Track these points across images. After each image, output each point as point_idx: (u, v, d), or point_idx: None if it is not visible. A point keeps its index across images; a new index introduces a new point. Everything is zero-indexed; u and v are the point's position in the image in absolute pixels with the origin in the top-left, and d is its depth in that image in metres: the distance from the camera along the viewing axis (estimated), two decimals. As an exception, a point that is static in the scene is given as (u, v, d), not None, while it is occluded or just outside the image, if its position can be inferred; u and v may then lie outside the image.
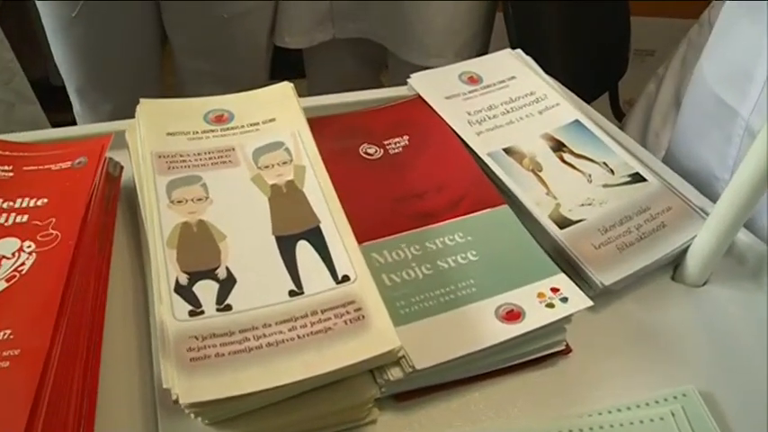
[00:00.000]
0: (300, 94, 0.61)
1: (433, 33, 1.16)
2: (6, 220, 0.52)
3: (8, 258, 0.50)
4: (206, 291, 0.45)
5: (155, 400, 0.45)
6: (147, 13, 1.14)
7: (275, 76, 1.19)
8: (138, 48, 1.19)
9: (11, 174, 0.56)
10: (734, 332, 0.55)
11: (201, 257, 0.47)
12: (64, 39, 1.12)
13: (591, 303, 0.49)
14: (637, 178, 0.62)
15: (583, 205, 0.58)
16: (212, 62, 1.18)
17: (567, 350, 0.51)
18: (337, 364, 0.41)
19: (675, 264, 0.59)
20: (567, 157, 0.62)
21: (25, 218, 0.52)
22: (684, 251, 0.58)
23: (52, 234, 0.51)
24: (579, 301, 0.49)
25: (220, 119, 0.57)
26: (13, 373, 0.43)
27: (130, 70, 1.19)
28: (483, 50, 1.24)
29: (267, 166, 0.54)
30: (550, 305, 0.49)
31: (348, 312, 0.44)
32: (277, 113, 0.58)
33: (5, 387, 0.42)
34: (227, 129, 0.57)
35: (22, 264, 0.49)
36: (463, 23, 1.16)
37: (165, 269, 0.46)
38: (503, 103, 0.66)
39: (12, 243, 0.51)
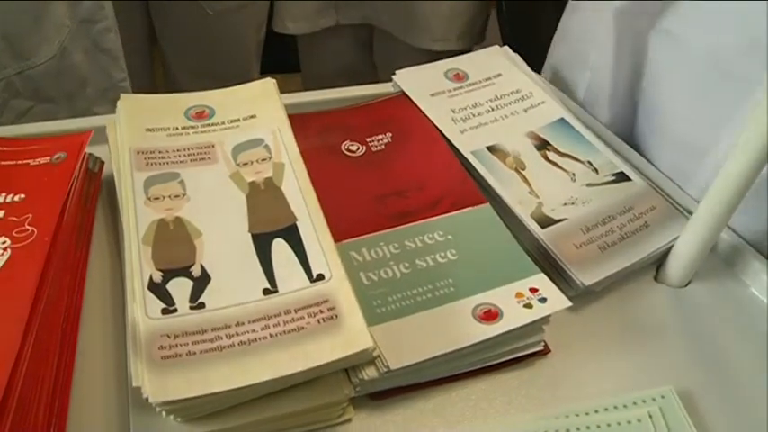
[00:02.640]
0: (294, 89, 0.61)
1: (437, 17, 1.16)
2: (-17, 215, 0.52)
3: (-17, 253, 0.49)
4: (180, 288, 0.45)
5: (128, 396, 0.44)
6: (136, 12, 1.14)
7: (268, 72, 1.19)
8: (128, 45, 1.19)
9: (-9, 168, 0.55)
10: (716, 333, 0.55)
11: (176, 255, 0.46)
12: None
13: (569, 304, 0.49)
14: (621, 178, 0.61)
15: (565, 204, 0.58)
16: (201, 59, 1.18)
17: (546, 350, 0.51)
18: (309, 364, 0.41)
19: (658, 264, 0.58)
20: (551, 155, 0.62)
21: (1, 213, 0.52)
22: (667, 251, 0.57)
23: (28, 230, 0.51)
24: (558, 301, 0.49)
25: (201, 115, 0.57)
26: (-15, 368, 0.42)
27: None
28: (482, 34, 1.25)
29: (246, 163, 0.53)
30: (528, 305, 0.49)
31: (322, 311, 0.44)
32: (258, 110, 0.58)
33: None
34: (208, 125, 0.56)
35: (-2, 259, 0.49)
36: (465, 6, 1.16)
37: (139, 266, 0.45)
38: (488, 101, 0.66)
39: (-12, 238, 0.50)
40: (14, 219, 0.52)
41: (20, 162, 0.56)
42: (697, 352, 0.54)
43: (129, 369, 0.45)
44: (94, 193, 0.57)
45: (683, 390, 0.50)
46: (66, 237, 0.51)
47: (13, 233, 0.51)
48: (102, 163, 0.59)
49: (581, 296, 0.55)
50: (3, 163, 0.56)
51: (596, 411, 0.48)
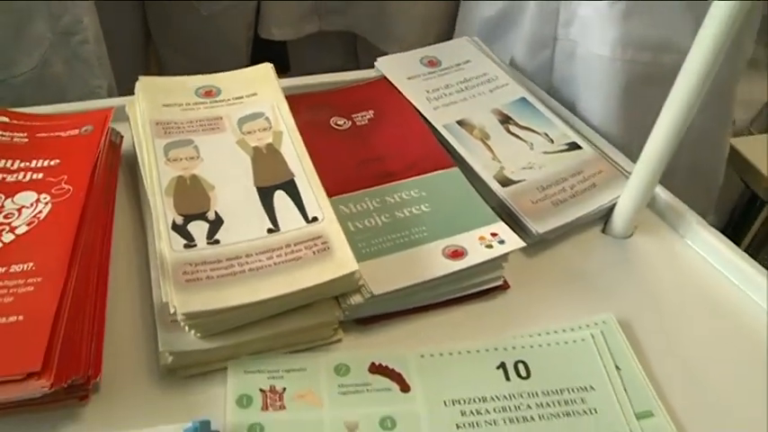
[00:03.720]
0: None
1: (413, 27, 1.24)
2: (24, 177, 0.61)
3: (27, 208, 0.58)
4: (198, 229, 0.54)
5: (154, 319, 0.53)
6: (132, 13, 1.22)
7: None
8: (124, 44, 1.27)
9: (26, 140, 0.65)
10: (653, 275, 0.64)
11: (194, 203, 0.56)
12: None
13: (524, 244, 0.59)
14: (573, 146, 0.71)
15: (524, 168, 0.68)
16: (194, 58, 1.26)
17: (506, 286, 0.60)
18: (306, 284, 0.50)
19: (605, 219, 0.68)
20: (512, 128, 0.72)
21: (40, 175, 0.61)
22: (612, 207, 0.67)
23: (65, 188, 0.60)
24: (514, 242, 0.58)
25: (209, 93, 0.66)
26: (38, 296, 0.51)
27: (117, 65, 1.28)
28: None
29: (250, 132, 0.63)
30: (489, 246, 0.58)
31: (316, 245, 0.53)
32: (258, 89, 0.67)
33: (31, 307, 0.50)
34: (215, 101, 0.66)
35: (40, 212, 0.58)
36: (436, 16, 1.24)
37: (163, 212, 0.55)
38: (458, 83, 0.76)
39: (30, 196, 0.59)
40: (52, 179, 0.61)
41: (53, 134, 0.66)
42: (636, 291, 0.63)
43: (153, 296, 0.54)
44: (116, 160, 0.66)
45: (622, 319, 0.59)
46: (96, 193, 0.60)
47: (52, 191, 0.60)
48: (122, 137, 0.68)
49: (537, 244, 0.64)
50: (38, 135, 0.65)
51: (547, 333, 0.58)
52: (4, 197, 0.59)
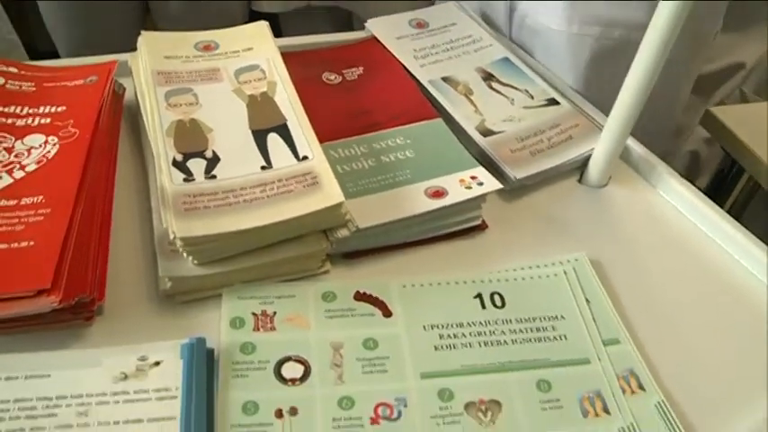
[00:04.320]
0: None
1: (399, 2, 1.27)
2: (33, 122, 0.65)
3: (36, 148, 0.62)
4: (196, 165, 0.58)
5: (154, 250, 0.58)
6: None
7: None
8: (123, 19, 1.31)
9: (34, 88, 0.69)
10: (625, 221, 0.68)
11: (193, 143, 0.60)
12: (57, 9, 1.25)
13: (501, 186, 0.63)
14: (552, 102, 0.75)
15: (505, 121, 0.72)
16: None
17: (484, 226, 0.64)
18: (296, 214, 0.54)
19: (581, 170, 0.72)
20: (494, 85, 0.76)
21: (48, 120, 0.65)
22: (588, 158, 0.71)
23: (71, 131, 0.64)
24: (492, 184, 0.63)
25: (208, 47, 0.70)
26: (47, 224, 0.55)
27: (116, 38, 1.31)
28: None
29: (246, 82, 0.67)
30: (469, 187, 0.62)
31: (306, 180, 0.57)
32: (254, 44, 0.71)
33: (41, 234, 0.55)
34: (214, 55, 0.70)
35: (48, 152, 0.62)
36: None
37: (164, 151, 0.59)
38: (444, 43, 0.80)
39: (38, 138, 0.63)
40: (59, 123, 0.65)
41: (59, 84, 0.70)
42: (609, 235, 0.67)
43: (153, 228, 0.58)
44: (119, 109, 0.70)
45: (594, 259, 0.63)
46: (101, 136, 0.64)
47: (60, 133, 0.64)
48: (125, 89, 0.72)
49: (515, 191, 0.69)
50: (45, 84, 0.69)
51: (522, 269, 0.62)
52: (14, 139, 0.62)
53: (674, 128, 0.97)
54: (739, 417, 0.52)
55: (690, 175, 1.21)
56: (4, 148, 0.61)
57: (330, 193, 0.55)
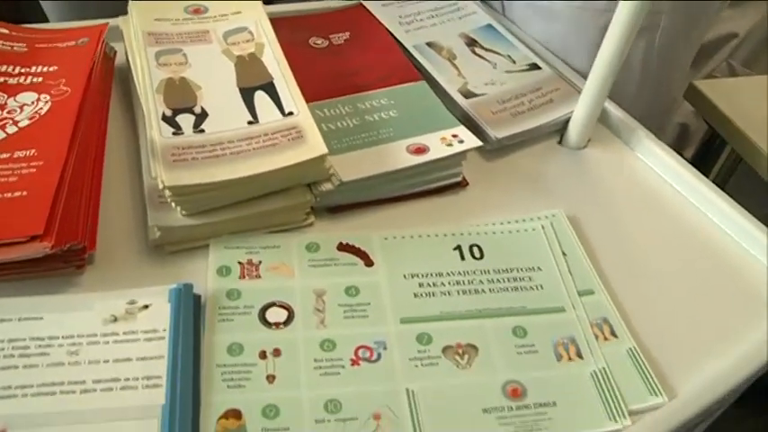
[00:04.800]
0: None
1: None
2: (25, 80, 0.66)
3: (29, 105, 0.64)
4: (185, 121, 0.60)
5: (143, 203, 0.59)
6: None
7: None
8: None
9: (25, 49, 0.70)
10: (603, 181, 0.70)
11: (182, 99, 0.61)
12: None
13: (481, 144, 0.65)
14: (533, 67, 0.77)
15: (487, 84, 0.74)
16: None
17: (465, 183, 0.66)
18: (281, 164, 0.56)
19: (561, 133, 0.74)
20: (478, 50, 0.78)
21: (40, 79, 0.67)
22: (568, 121, 0.73)
23: (63, 89, 0.65)
24: (472, 142, 0.65)
25: (197, 11, 0.72)
26: (39, 175, 0.57)
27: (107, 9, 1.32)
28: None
29: (234, 43, 0.68)
30: (450, 144, 0.64)
31: (291, 134, 0.59)
32: (242, 8, 0.73)
33: (34, 184, 0.56)
34: (203, 18, 0.71)
35: (41, 108, 0.64)
36: None
37: (154, 106, 0.60)
38: (429, 10, 0.82)
39: (30, 95, 0.65)
40: (51, 82, 0.66)
41: (50, 45, 0.71)
42: (587, 194, 0.69)
43: (143, 182, 0.60)
44: (110, 70, 0.72)
45: (572, 216, 0.65)
46: (93, 94, 0.65)
47: (52, 91, 0.65)
48: (116, 51, 0.74)
49: (496, 152, 0.71)
50: (37, 45, 0.71)
51: (501, 223, 0.64)
52: (6, 96, 0.64)
53: (671, 102, 0.99)
54: (707, 360, 0.54)
55: (678, 146, 1.23)
56: (-3, 105, 0.63)
57: (314, 145, 0.57)
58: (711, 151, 1.16)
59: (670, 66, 0.87)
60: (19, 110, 0.63)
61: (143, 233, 0.59)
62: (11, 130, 0.61)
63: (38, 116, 0.62)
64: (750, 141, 0.98)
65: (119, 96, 0.71)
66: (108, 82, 0.70)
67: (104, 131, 0.65)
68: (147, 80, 0.62)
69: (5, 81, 0.65)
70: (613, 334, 0.55)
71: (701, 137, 1.23)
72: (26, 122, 0.62)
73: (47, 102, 0.64)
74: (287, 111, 0.61)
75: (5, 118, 0.62)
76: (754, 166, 0.98)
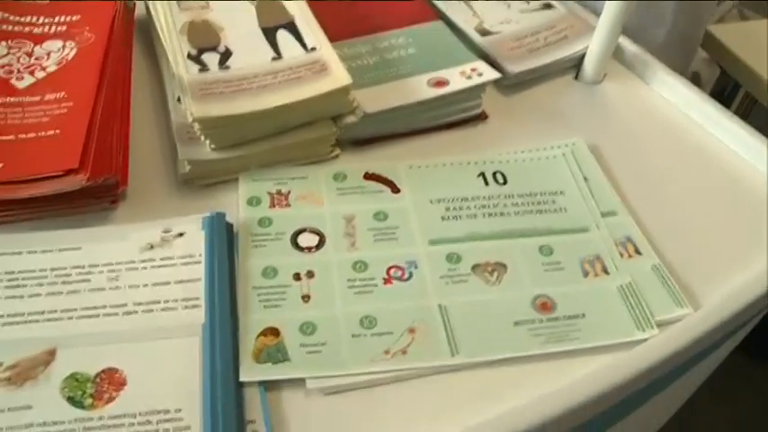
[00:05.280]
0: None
1: None
2: (49, 29, 0.68)
3: (55, 52, 0.65)
4: (210, 59, 0.61)
5: (171, 142, 0.61)
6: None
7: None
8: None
9: (47, 1, 0.71)
10: (620, 113, 0.71)
11: (206, 39, 0.63)
12: None
13: (499, 75, 0.66)
14: (547, 6, 0.78)
15: (502, 23, 0.75)
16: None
17: (484, 116, 0.67)
18: (306, 95, 0.57)
19: (577, 69, 0.75)
20: (489, -9, 0.79)
21: (64, 28, 0.68)
22: (583, 57, 0.74)
23: (88, 36, 0.67)
24: (491, 74, 0.66)
25: (214, -41, 0.73)
26: (70, 115, 0.59)
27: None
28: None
29: (252, -14, 0.69)
30: (469, 77, 0.65)
31: (314, 68, 0.60)
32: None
33: (66, 124, 0.58)
34: (220, -36, 0.72)
35: (67, 54, 0.65)
36: None
37: (179, 46, 0.62)
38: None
39: (56, 43, 0.66)
40: (75, 30, 0.68)
41: (72, -4, 0.72)
42: (604, 125, 0.70)
43: (171, 118, 0.61)
44: (131, 20, 0.73)
45: (591, 145, 0.66)
46: (116, 41, 0.67)
47: (76, 38, 0.67)
48: (135, 4, 0.75)
49: (514, 87, 0.72)
50: (59, -3, 0.72)
51: (522, 152, 0.65)
52: (33, 44, 0.66)
53: (692, 51, 1.00)
54: (729, 275, 0.55)
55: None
56: (25, 53, 0.64)
57: (338, 76, 0.59)
58: (723, 100, 1.16)
59: (696, 15, 0.88)
60: (46, 56, 0.64)
61: (171, 170, 0.60)
62: (40, 75, 0.62)
63: (65, 61, 0.64)
64: (763, 82, 0.99)
65: (139, 47, 0.72)
66: (129, 31, 0.71)
67: (129, 76, 0.66)
68: (171, 22, 0.63)
69: (31, 30, 0.67)
70: (637, 252, 0.56)
71: (711, 86, 1.23)
72: (54, 68, 0.63)
73: (72, 48, 0.65)
74: (309, 47, 0.62)
75: (33, 64, 0.63)
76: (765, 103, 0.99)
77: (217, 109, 0.55)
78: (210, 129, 0.56)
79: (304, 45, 0.62)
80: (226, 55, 0.61)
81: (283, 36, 0.63)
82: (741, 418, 1.39)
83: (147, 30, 0.72)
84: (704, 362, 0.63)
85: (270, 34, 0.63)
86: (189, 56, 0.60)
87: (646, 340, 0.51)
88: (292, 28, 0.64)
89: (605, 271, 0.55)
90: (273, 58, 0.61)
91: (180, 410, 0.44)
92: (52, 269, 0.51)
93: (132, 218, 0.57)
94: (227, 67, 0.59)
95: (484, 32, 0.72)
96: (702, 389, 0.78)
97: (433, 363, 0.48)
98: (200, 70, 0.59)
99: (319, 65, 0.60)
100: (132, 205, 0.58)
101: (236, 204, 0.58)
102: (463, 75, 0.65)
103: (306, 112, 0.59)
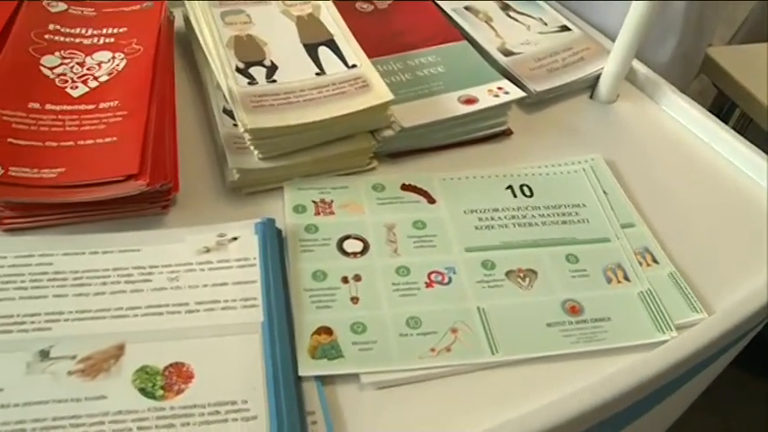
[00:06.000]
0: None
1: None
2: (98, 41, 0.71)
3: (105, 63, 0.69)
4: (258, 72, 0.65)
5: (215, 153, 0.64)
6: None
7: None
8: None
9: (94, 13, 0.75)
10: (633, 131, 0.76)
11: (252, 53, 0.66)
12: None
13: (524, 94, 0.70)
14: (564, 29, 0.83)
15: (522, 44, 0.79)
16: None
17: (509, 132, 0.72)
18: (352, 109, 0.61)
19: (592, 88, 0.80)
20: (511, 13, 0.83)
21: (112, 39, 0.71)
22: (598, 77, 0.79)
23: (136, 48, 0.70)
24: (517, 93, 0.70)
25: (253, -23, 0.77)
26: (125, 124, 0.62)
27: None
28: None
29: (292, 5, 0.73)
30: (496, 95, 0.70)
31: (357, 83, 0.64)
32: (294, -26, 0.78)
33: (122, 131, 0.61)
34: (259, -17, 0.76)
35: (117, 65, 0.68)
36: None
37: (227, 60, 0.65)
38: (466, -21, 0.87)
39: (106, 54, 0.70)
40: (123, 42, 0.71)
41: (117, 9, 0.76)
42: (619, 142, 0.75)
43: (217, 128, 0.65)
44: (172, 32, 0.77)
45: (608, 161, 0.71)
46: (163, 51, 0.70)
47: (125, 50, 0.70)
48: (174, 16, 0.79)
49: (534, 105, 0.76)
50: (105, 10, 0.75)
51: (546, 166, 0.70)
52: (84, 55, 0.69)
53: (694, 70, 1.05)
54: (737, 283, 0.60)
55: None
56: (77, 63, 0.68)
57: (380, 92, 0.63)
58: (720, 118, 1.21)
59: (702, 34, 0.93)
60: (97, 67, 0.67)
61: (217, 178, 0.63)
62: (92, 84, 0.65)
63: (116, 72, 0.67)
64: (762, 106, 1.05)
65: (179, 56, 0.76)
66: (171, 43, 0.75)
67: (174, 86, 0.69)
68: (217, 36, 0.67)
69: (81, 42, 0.70)
70: (655, 261, 0.61)
71: (709, 104, 1.29)
72: (105, 78, 0.66)
73: (122, 59, 0.68)
74: (350, 64, 0.66)
75: (86, 74, 0.66)
76: (762, 125, 1.05)
77: (268, 120, 0.59)
78: (260, 139, 0.60)
79: (345, 62, 0.66)
80: (272, 69, 0.64)
81: (324, 52, 0.67)
82: (733, 428, 1.45)
83: (184, 41, 0.75)
84: (704, 372, 0.67)
85: (311, 50, 0.67)
86: (237, 69, 0.64)
87: (666, 342, 0.55)
88: (332, 45, 0.68)
89: (626, 278, 0.59)
90: (317, 74, 0.65)
91: (246, 402, 0.47)
92: (114, 269, 0.55)
93: (181, 223, 0.60)
94: (274, 81, 0.63)
95: (506, 53, 0.77)
96: (696, 401, 0.82)
97: (475, 360, 0.52)
98: (249, 83, 0.63)
99: (361, 81, 0.64)
100: (181, 211, 0.61)
101: (281, 211, 0.61)
102: (491, 93, 0.69)
103: (348, 126, 0.62)
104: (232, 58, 0.65)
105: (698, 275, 0.60)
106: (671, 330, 0.55)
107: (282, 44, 0.68)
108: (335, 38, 0.68)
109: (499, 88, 0.70)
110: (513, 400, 0.50)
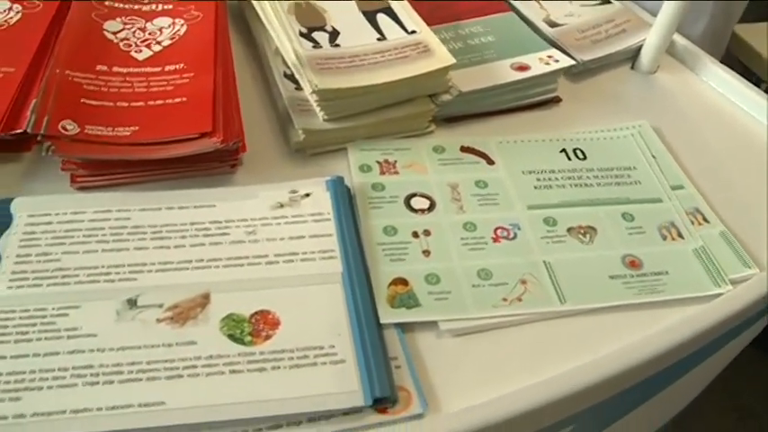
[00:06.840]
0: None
1: None
2: (157, 8, 0.73)
3: (166, 28, 0.70)
4: (321, 37, 0.66)
5: (276, 116, 0.66)
6: None
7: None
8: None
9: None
10: (674, 100, 0.78)
11: (313, 19, 0.68)
12: None
13: (574, 62, 0.72)
14: (605, 1, 0.85)
15: (566, 16, 0.81)
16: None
17: (558, 99, 0.74)
18: (416, 72, 0.63)
19: (633, 60, 0.82)
20: (554, -14, 0.85)
21: (170, 6, 0.73)
22: (640, 48, 0.81)
23: (195, 14, 0.72)
24: (566, 61, 0.72)
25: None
26: (193, 84, 0.63)
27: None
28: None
29: (346, -25, 0.75)
30: (547, 63, 0.72)
31: (418, 48, 0.66)
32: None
33: (191, 92, 0.63)
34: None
35: (178, 30, 0.70)
36: None
37: (289, 25, 0.67)
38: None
39: (166, 20, 0.71)
40: (182, 9, 0.73)
41: (172, -21, 0.77)
42: (663, 110, 0.77)
43: (280, 91, 0.66)
44: (225, 1, 0.78)
45: (654, 127, 0.73)
46: (222, 19, 0.72)
47: (185, 16, 0.72)
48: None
49: (579, 75, 0.78)
50: (160, -21, 0.77)
51: (596, 131, 0.72)
52: (144, 21, 0.70)
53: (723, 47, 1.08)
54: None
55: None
56: (138, 28, 0.69)
57: (441, 56, 0.64)
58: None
59: (729, 14, 0.96)
60: (159, 32, 0.69)
61: (280, 140, 0.65)
62: (156, 48, 0.67)
63: (177, 37, 0.68)
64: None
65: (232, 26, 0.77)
66: (225, 11, 0.76)
67: (231, 52, 0.71)
68: (278, 4, 0.68)
69: (140, 8, 0.71)
70: (705, 220, 0.63)
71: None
72: (168, 42, 0.68)
73: (182, 25, 0.70)
74: (409, 29, 0.68)
75: (148, 39, 0.68)
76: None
77: (336, 82, 0.61)
78: (327, 100, 0.62)
79: (404, 28, 0.68)
80: (334, 34, 0.66)
81: (383, 19, 0.69)
82: (744, 406, 1.49)
83: (235, 11, 0.77)
84: (739, 337, 0.70)
85: (370, 18, 0.69)
86: (301, 33, 0.65)
87: (721, 294, 0.57)
88: (390, 13, 0.69)
89: (680, 236, 0.61)
90: (378, 39, 0.66)
91: (333, 346, 0.49)
92: (192, 223, 0.56)
93: (249, 182, 0.61)
94: (338, 45, 0.65)
95: (552, 24, 0.79)
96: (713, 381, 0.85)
97: (545, 309, 0.54)
98: (314, 47, 0.64)
99: (422, 46, 0.65)
100: (249, 170, 0.63)
101: (345, 172, 0.63)
102: (542, 61, 0.71)
103: (410, 89, 0.64)
104: (294, 24, 0.66)
105: (746, 235, 0.62)
106: (726, 284, 0.57)
107: (342, 11, 0.69)
108: (393, 5, 0.70)
109: (549, 56, 0.72)
110: (579, 347, 0.52)
